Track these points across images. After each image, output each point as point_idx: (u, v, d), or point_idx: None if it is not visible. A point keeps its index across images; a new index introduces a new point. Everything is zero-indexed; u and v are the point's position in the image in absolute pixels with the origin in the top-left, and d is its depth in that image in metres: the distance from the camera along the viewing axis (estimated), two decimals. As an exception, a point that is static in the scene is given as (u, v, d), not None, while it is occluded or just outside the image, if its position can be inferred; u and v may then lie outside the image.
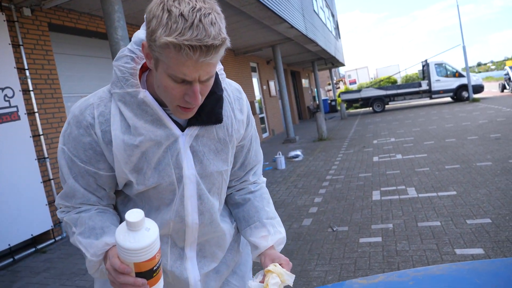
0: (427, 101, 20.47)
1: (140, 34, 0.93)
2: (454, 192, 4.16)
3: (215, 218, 1.05)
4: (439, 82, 17.49)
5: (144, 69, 0.95)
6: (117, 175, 0.96)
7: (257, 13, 7.12)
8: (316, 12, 13.25)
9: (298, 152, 8.16)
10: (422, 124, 10.84)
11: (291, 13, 8.84)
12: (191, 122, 0.94)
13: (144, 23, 0.85)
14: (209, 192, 1.02)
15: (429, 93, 17.78)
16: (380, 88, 19.27)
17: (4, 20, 4.26)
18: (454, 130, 8.71)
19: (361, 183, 5.19)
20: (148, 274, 0.78)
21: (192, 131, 0.95)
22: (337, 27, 21.54)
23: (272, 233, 1.08)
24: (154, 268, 0.79)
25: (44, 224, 4.35)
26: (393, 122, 12.74)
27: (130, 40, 0.97)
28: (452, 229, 3.21)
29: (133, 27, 6.54)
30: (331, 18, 18.76)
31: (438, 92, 17.57)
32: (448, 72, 17.58)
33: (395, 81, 27.91)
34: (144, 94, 0.89)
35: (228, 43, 0.81)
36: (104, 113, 0.92)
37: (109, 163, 0.94)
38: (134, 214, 0.74)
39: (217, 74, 0.98)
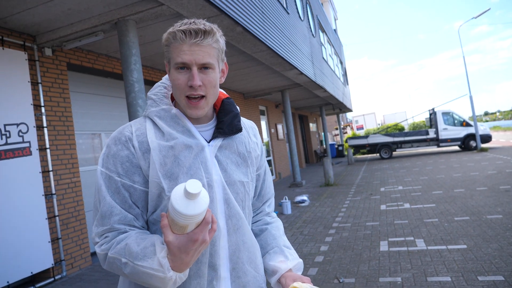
0: (434, 149, 20.45)
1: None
2: (465, 246, 4.05)
3: (242, 225, 1.11)
4: (447, 131, 17.55)
5: (172, 99, 1.16)
6: (151, 183, 1.03)
7: (268, 60, 7.35)
8: (325, 59, 13.62)
9: (305, 197, 8.08)
10: (430, 173, 10.75)
11: (301, 60, 9.10)
12: (215, 135, 1.11)
13: None
14: (234, 200, 1.10)
15: (437, 141, 17.79)
16: (387, 134, 19.34)
17: (26, 59, 4.44)
18: (462, 180, 8.61)
19: (369, 232, 5.08)
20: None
21: (216, 142, 1.11)
22: (345, 74, 22.04)
23: (290, 258, 1.18)
24: None
25: (45, 262, 4.28)
26: (400, 170, 12.66)
27: (144, 83, 1.21)
28: (463, 285, 3.09)
29: (147, 69, 6.77)
30: (339, 65, 19.24)
31: (445, 140, 17.58)
32: (456, 121, 17.67)
33: (403, 128, 28.06)
34: (176, 110, 1.10)
35: (219, 37, 1.04)
36: (140, 128, 1.08)
37: (144, 176, 1.04)
38: (194, 185, 0.84)
39: (232, 100, 1.21)
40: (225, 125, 1.12)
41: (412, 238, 4.57)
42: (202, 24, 1.02)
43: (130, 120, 4.16)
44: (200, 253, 0.93)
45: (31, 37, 4.67)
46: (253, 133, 1.26)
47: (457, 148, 19.17)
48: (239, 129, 1.15)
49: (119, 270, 0.96)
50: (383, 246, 4.40)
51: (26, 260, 4.07)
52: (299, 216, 6.68)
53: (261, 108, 13.74)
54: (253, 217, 1.26)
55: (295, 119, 18.23)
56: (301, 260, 1.19)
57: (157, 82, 1.17)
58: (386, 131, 25.81)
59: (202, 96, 1.04)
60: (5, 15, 4.04)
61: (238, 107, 1.21)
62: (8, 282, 3.85)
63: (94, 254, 5.37)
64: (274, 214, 1.34)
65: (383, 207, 6.72)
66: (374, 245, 4.49)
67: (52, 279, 4.38)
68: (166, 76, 1.19)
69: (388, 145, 18.81)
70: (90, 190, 5.50)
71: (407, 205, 6.58)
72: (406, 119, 29.76)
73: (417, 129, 24.82)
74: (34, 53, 4.65)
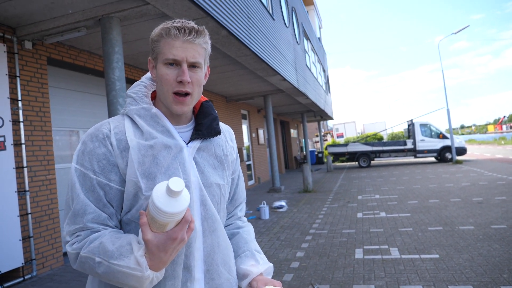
0: (411, 159, 20.91)
1: (149, 74, 1.19)
2: (437, 256, 4.15)
3: (217, 227, 1.11)
4: (424, 142, 18.00)
5: (152, 99, 1.16)
6: (128, 182, 1.01)
7: (251, 65, 7.38)
8: (308, 67, 13.77)
9: (283, 203, 8.12)
10: (406, 183, 10.99)
11: (285, 66, 9.18)
12: (193, 137, 1.11)
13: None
14: (211, 202, 1.11)
15: (414, 152, 18.22)
16: (366, 143, 19.68)
17: (4, 52, 4.32)
18: (437, 191, 8.83)
19: (345, 240, 5.15)
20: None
21: (195, 144, 1.11)
22: (327, 82, 22.32)
23: (261, 262, 1.19)
24: None
25: (15, 261, 4.15)
26: (378, 179, 12.89)
27: (126, 81, 1.20)
28: (434, 294, 3.17)
29: (130, 67, 6.69)
30: (322, 73, 19.48)
31: (422, 151, 18.02)
32: (433, 133, 18.13)
33: (381, 138, 28.58)
34: (156, 109, 1.09)
35: (208, 39, 1.08)
36: (118, 126, 1.07)
37: (120, 175, 1.02)
38: (177, 184, 0.84)
39: (211, 103, 1.22)
40: (204, 127, 1.14)
41: (386, 247, 4.65)
42: (195, 24, 1.05)
43: (109, 118, 4.10)
44: (177, 252, 0.93)
45: (11, 29, 4.55)
46: (230, 137, 1.27)
47: (433, 159, 19.65)
48: (217, 132, 1.16)
49: (91, 270, 0.93)
50: (358, 254, 4.46)
51: (-5, 258, 3.93)
52: (277, 222, 6.70)
53: (243, 112, 13.76)
54: (225, 221, 1.28)
55: (276, 124, 18.32)
56: (271, 265, 1.20)
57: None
58: (366, 140, 26.23)
59: (188, 94, 1.06)
60: (-16, 5, 3.92)
61: (216, 111, 1.23)
62: (-26, 280, 3.71)
63: (66, 254, 5.24)
64: (245, 219, 1.36)
65: (359, 215, 6.82)
66: (350, 252, 4.55)
67: (22, 278, 4.25)
68: (146, 75, 1.20)
69: (367, 154, 19.13)
70: (65, 188, 5.36)
71: (383, 214, 6.70)
72: (385, 129, 30.31)
73: (395, 139, 25.33)
74: (14, 45, 4.53)
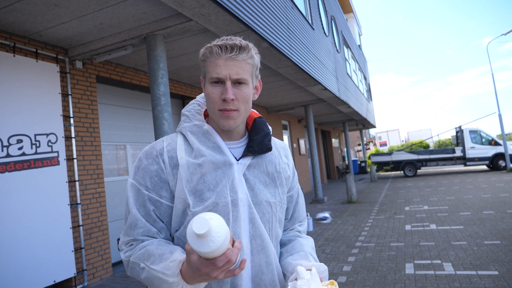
0: (461, 168, 19.85)
1: (203, 93, 1.20)
2: (496, 272, 3.85)
3: (266, 246, 1.08)
4: (474, 150, 17.00)
5: (205, 116, 1.18)
6: (177, 199, 1.03)
7: (292, 75, 7.35)
8: (349, 75, 13.54)
9: (327, 214, 7.94)
10: (457, 193, 10.40)
11: (325, 76, 9.06)
12: (245, 154, 1.10)
13: None
14: (260, 220, 1.08)
15: (464, 160, 17.24)
16: (412, 152, 18.90)
17: (58, 72, 4.58)
18: (492, 202, 8.28)
19: (393, 253, 4.92)
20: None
21: (246, 160, 1.10)
22: (369, 90, 21.83)
23: (314, 262, 1.12)
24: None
25: (68, 270, 4.33)
26: (425, 189, 12.31)
27: (170, 96, 1.23)
28: (497, 316, 2.93)
29: (173, 82, 6.88)
30: (363, 81, 19.08)
31: (473, 159, 17.01)
32: (483, 140, 17.11)
33: (428, 146, 27.43)
34: (209, 126, 1.11)
35: (254, 53, 1.06)
36: (171, 144, 1.10)
37: (171, 191, 1.05)
38: (200, 226, 0.78)
39: (264, 120, 1.21)
40: (255, 143, 1.12)
41: (439, 261, 4.39)
42: (238, 40, 1.05)
43: (155, 132, 4.21)
44: (209, 281, 0.91)
45: (64, 50, 4.83)
46: (285, 154, 1.25)
47: (485, 167, 18.53)
48: (269, 148, 1.14)
49: (137, 275, 0.99)
50: (409, 269, 4.24)
51: (50, 268, 4.12)
52: (321, 234, 6.55)
53: (284, 122, 13.72)
54: (283, 231, 1.25)
55: (317, 134, 18.10)
56: (326, 267, 1.11)
57: (183, 95, 1.25)
58: (411, 148, 25.28)
59: (235, 110, 1.05)
60: (40, 29, 4.19)
61: (270, 127, 1.21)
62: (31, 289, 3.90)
63: (115, 264, 5.41)
64: (306, 235, 1.31)
65: (408, 227, 6.52)
66: (400, 267, 4.34)
67: (74, 288, 4.42)
68: (201, 94, 1.23)
69: (413, 163, 18.37)
70: (114, 200, 5.57)
71: (433, 226, 6.36)
72: (432, 137, 29.10)
73: (443, 147, 24.21)
74: (66, 65, 4.79)
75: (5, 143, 3.88)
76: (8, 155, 3.88)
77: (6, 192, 3.81)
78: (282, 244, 1.22)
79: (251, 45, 1.07)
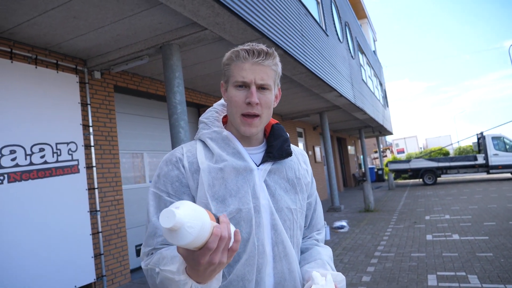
0: (483, 176, 19.33)
1: (221, 101, 1.22)
2: (524, 285, 3.70)
3: (289, 253, 1.06)
4: (498, 157, 16.47)
5: (223, 123, 1.18)
6: (198, 204, 0.99)
7: (307, 82, 7.32)
8: (364, 81, 13.42)
9: (344, 223, 7.81)
10: (480, 202, 10.11)
11: (340, 82, 9.00)
12: (264, 159, 1.10)
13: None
14: (282, 226, 1.07)
15: (486, 167, 16.72)
16: (431, 159, 18.50)
17: (77, 82, 4.67)
18: (517, 211, 8.01)
19: (414, 264, 4.79)
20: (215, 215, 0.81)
21: (266, 166, 1.10)
22: (385, 96, 21.59)
23: (331, 271, 1.09)
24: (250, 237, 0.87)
25: (88, 276, 4.37)
26: (446, 197, 12.02)
27: (187, 104, 1.22)
28: (526, 330, 2.80)
29: (188, 91, 6.93)
30: (379, 87, 18.88)
31: (496, 167, 16.47)
32: (507, 146, 16.57)
33: (447, 153, 26.85)
34: (228, 132, 1.11)
35: (278, 61, 1.07)
36: (191, 150, 1.10)
37: (192, 196, 1.04)
38: (167, 219, 0.70)
39: (281, 126, 1.21)
40: (275, 149, 1.12)
41: (463, 273, 4.24)
42: (264, 46, 1.06)
43: (172, 140, 4.23)
44: (218, 271, 0.83)
45: (82, 61, 4.92)
46: (303, 160, 1.25)
47: (510, 175, 17.99)
48: (289, 154, 1.14)
49: (154, 282, 0.94)
50: (432, 281, 4.11)
51: (71, 273, 4.16)
52: (339, 243, 6.44)
53: (299, 130, 13.66)
54: (303, 238, 1.24)
55: (333, 141, 17.96)
56: (344, 277, 1.06)
57: (198, 103, 1.25)
58: (430, 155, 24.78)
59: (257, 115, 1.05)
60: (60, 41, 4.29)
61: (287, 133, 1.20)
62: (51, 297, 3.93)
63: (133, 271, 5.42)
64: (324, 244, 1.29)
65: (429, 237, 6.35)
66: (421, 278, 4.21)
67: (92, 296, 4.44)
68: (219, 102, 1.23)
69: (432, 171, 17.96)
70: (132, 208, 5.61)
71: (456, 236, 6.18)
72: (451, 144, 28.50)
73: (463, 154, 23.65)
74: (85, 76, 4.88)
75: (28, 152, 3.96)
76: (31, 163, 3.96)
77: (29, 199, 3.88)
78: (300, 252, 1.20)
79: (276, 52, 1.07)
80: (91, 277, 4.41)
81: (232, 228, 0.82)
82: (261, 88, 1.04)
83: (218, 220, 0.80)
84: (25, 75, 4.10)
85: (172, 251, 0.95)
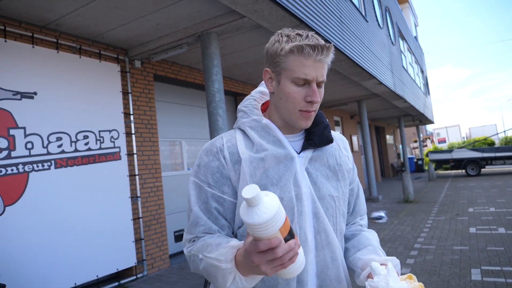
0: (532, 167, 18.25)
1: (259, 88, 1.21)
2: None
3: (332, 241, 1.05)
4: (548, 148, 15.49)
5: (262, 111, 1.16)
6: (240, 194, 1.01)
7: (346, 69, 7.15)
8: (405, 68, 12.93)
9: (382, 214, 7.65)
10: (528, 194, 9.57)
11: (380, 69, 8.72)
12: (305, 147, 1.08)
13: (263, 81, 1.15)
14: (324, 214, 1.05)
15: (535, 158, 15.79)
16: (475, 149, 17.64)
17: (119, 71, 4.81)
18: None
19: (457, 257, 4.62)
20: (291, 232, 0.80)
21: (307, 154, 1.08)
22: (426, 83, 20.73)
23: (384, 256, 1.07)
24: (291, 225, 0.83)
25: (129, 260, 4.55)
26: (491, 189, 11.46)
27: (224, 93, 1.20)
28: None
29: (226, 79, 6.96)
30: (420, 74, 18.14)
31: (546, 158, 15.51)
32: (560, 137, 15.54)
33: (493, 143, 25.53)
34: (267, 120, 1.09)
35: (332, 53, 1.03)
36: (231, 140, 1.09)
37: (233, 187, 1.04)
38: (249, 190, 0.74)
39: (321, 112, 1.17)
40: (315, 136, 1.10)
41: (510, 268, 4.05)
42: (322, 40, 1.01)
43: (210, 129, 4.28)
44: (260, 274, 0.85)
45: (124, 51, 5.06)
46: (344, 146, 1.21)
47: (561, 167, 16.89)
48: (330, 140, 1.11)
49: (197, 267, 0.99)
50: (475, 275, 3.95)
51: (113, 257, 4.35)
52: (377, 234, 6.31)
53: (336, 118, 13.44)
54: (346, 225, 1.22)
55: (371, 130, 17.53)
56: (398, 261, 1.04)
57: (235, 92, 1.23)
58: (473, 145, 23.69)
59: (314, 111, 1.05)
60: (103, 31, 4.42)
61: (327, 119, 1.17)
62: (97, 276, 4.15)
63: (172, 256, 5.60)
64: (368, 229, 1.26)
65: (472, 230, 6.10)
66: (464, 272, 4.06)
67: (135, 277, 4.64)
68: (256, 89, 1.21)
69: (476, 161, 17.13)
70: (171, 194, 5.76)
71: (501, 230, 5.89)
72: (497, 133, 27.06)
73: (510, 144, 22.40)
74: (126, 65, 5.02)
75: (73, 139, 4.14)
76: (76, 150, 4.15)
77: (74, 184, 4.08)
78: (346, 239, 1.19)
79: (332, 45, 1.04)
80: (132, 261, 4.59)
81: (302, 260, 0.85)
82: (318, 84, 1.03)
83: (291, 233, 0.80)
84: (70, 65, 4.26)
85: (216, 239, 0.97)
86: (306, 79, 0.99)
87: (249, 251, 0.80)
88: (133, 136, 4.91)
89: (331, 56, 1.02)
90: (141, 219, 4.86)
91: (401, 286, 0.87)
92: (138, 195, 4.86)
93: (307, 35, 1.00)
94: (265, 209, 0.75)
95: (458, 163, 17.63)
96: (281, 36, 1.02)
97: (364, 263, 1.05)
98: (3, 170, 3.51)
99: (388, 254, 4.96)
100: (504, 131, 23.38)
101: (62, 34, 4.30)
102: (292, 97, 1.01)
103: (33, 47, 3.92)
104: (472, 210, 7.93)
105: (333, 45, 1.04)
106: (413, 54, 16.39)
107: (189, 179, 1.10)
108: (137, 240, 4.78)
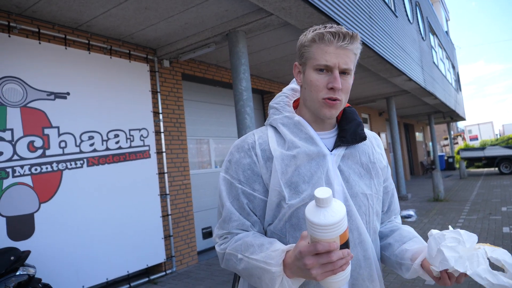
0: None
1: (290, 85, 1.21)
2: None
3: (364, 240, 1.04)
4: None
5: (294, 108, 1.15)
6: (271, 192, 1.02)
7: (374, 66, 7.02)
8: (435, 64, 12.57)
9: (411, 212, 7.48)
10: None
11: (410, 66, 8.51)
12: (337, 144, 1.07)
13: (294, 79, 1.15)
14: (357, 212, 1.04)
15: None
16: (508, 147, 16.97)
17: (148, 71, 4.91)
18: None
19: (492, 259, 4.45)
20: (347, 243, 0.81)
21: (339, 151, 1.07)
22: (457, 79, 20.08)
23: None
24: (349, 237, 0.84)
25: (158, 256, 4.65)
26: (527, 188, 10.99)
27: (252, 91, 1.20)
28: None
29: (253, 78, 6.97)
30: (451, 70, 17.59)
31: None
32: None
33: (528, 140, 24.45)
34: (299, 117, 1.09)
35: (360, 44, 1.02)
36: (262, 136, 1.09)
37: (264, 185, 1.04)
38: (322, 191, 0.78)
39: (354, 109, 1.16)
40: (348, 133, 1.08)
41: (550, 271, 3.87)
42: (347, 29, 1.01)
43: (238, 127, 4.30)
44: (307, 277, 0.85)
45: (152, 51, 5.15)
46: (377, 144, 1.20)
47: None
48: (363, 138, 1.10)
49: (234, 267, 0.99)
50: None
51: (143, 253, 4.46)
52: (406, 233, 6.18)
53: (364, 116, 13.22)
54: (381, 223, 1.21)
55: (400, 127, 17.14)
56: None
57: (262, 90, 1.23)
58: (507, 143, 22.76)
59: (338, 100, 1.02)
60: (133, 32, 4.51)
61: (360, 117, 1.16)
62: (128, 271, 4.26)
63: (200, 253, 5.68)
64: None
65: (505, 229, 5.87)
66: (500, 274, 3.91)
67: (164, 273, 4.73)
68: (288, 86, 1.21)
69: (510, 159, 16.47)
70: (199, 192, 5.84)
71: (539, 231, 5.64)
72: (534, 130, 25.88)
73: (548, 142, 21.39)
74: (155, 65, 5.11)
75: (105, 138, 4.26)
76: (107, 149, 4.26)
77: (105, 182, 4.20)
78: (384, 236, 1.17)
79: (359, 35, 1.02)
80: (161, 257, 4.69)
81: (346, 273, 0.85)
82: (343, 73, 1.01)
83: (347, 244, 0.82)
84: (101, 65, 4.38)
85: (255, 239, 0.96)
86: (327, 65, 0.98)
87: (304, 252, 0.80)
88: (162, 135, 5.00)
89: (356, 44, 1.00)
90: (170, 216, 4.95)
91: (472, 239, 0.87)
92: (167, 192, 4.95)
93: (332, 26, 1.01)
94: (333, 212, 0.77)
95: (491, 161, 17.01)
96: (308, 30, 1.04)
97: (414, 253, 1.02)
98: (38, 168, 3.65)
99: (418, 254, 4.86)
100: (541, 128, 22.36)
101: (94, 35, 4.42)
102: (315, 85, 1.01)
103: (65, 48, 4.05)
104: (506, 209, 7.63)
105: (359, 35, 1.02)
106: (444, 50, 15.90)
107: (220, 175, 1.11)
108: (166, 237, 4.87)
